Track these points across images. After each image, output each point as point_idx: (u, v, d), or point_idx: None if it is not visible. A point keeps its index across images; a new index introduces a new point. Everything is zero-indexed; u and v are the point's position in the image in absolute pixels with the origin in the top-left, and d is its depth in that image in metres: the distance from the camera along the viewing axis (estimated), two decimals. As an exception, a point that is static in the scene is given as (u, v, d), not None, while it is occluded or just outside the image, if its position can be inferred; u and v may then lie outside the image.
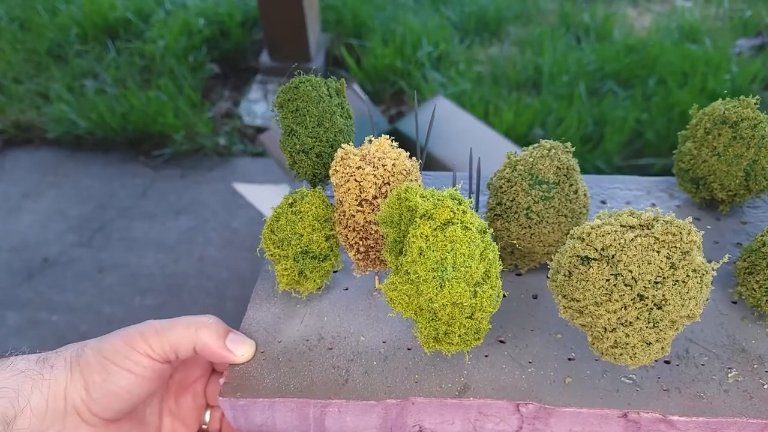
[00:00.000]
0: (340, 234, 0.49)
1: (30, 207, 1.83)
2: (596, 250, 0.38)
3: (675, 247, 0.37)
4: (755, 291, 0.47)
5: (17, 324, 1.47)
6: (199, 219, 1.78)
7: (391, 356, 0.47)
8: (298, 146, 0.53)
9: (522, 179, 0.49)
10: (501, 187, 0.51)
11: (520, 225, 0.50)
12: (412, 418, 0.46)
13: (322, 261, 0.51)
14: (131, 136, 2.05)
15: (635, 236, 0.37)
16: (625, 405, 0.42)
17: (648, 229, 0.38)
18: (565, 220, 0.49)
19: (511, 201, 0.50)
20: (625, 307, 0.38)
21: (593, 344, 0.41)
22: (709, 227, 0.58)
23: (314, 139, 0.52)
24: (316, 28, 2.20)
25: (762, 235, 0.48)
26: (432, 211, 0.40)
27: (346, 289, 0.54)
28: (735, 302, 0.50)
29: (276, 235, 0.50)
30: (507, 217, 0.50)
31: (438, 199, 0.40)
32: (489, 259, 0.41)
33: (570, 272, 0.40)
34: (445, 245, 0.39)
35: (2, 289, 1.57)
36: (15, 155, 2.05)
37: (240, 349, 0.47)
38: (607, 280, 0.38)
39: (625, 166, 1.86)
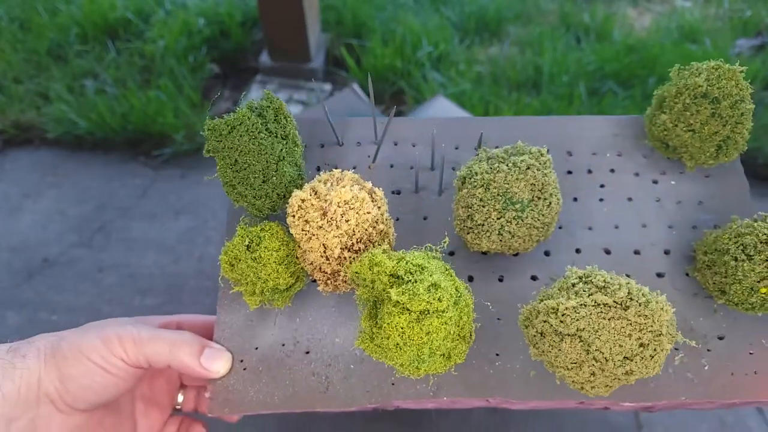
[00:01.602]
0: (307, 267, 0.47)
1: (30, 207, 1.83)
2: (571, 332, 0.40)
3: (648, 330, 0.39)
4: (709, 285, 0.48)
5: (17, 324, 1.47)
6: (199, 219, 1.78)
7: (366, 358, 0.48)
8: (246, 205, 0.49)
9: (495, 202, 0.49)
10: (473, 205, 0.50)
11: (492, 241, 0.50)
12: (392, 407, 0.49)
13: (289, 289, 0.49)
14: (131, 136, 2.05)
15: (609, 319, 0.39)
16: (582, 396, 0.45)
17: (623, 310, 0.39)
18: (537, 232, 0.50)
19: (484, 220, 0.50)
20: (594, 374, 0.40)
21: (558, 375, 0.44)
22: (673, 182, 0.57)
23: (263, 200, 0.48)
24: (316, 28, 2.20)
25: (724, 234, 0.47)
26: (408, 304, 0.39)
27: (314, 280, 0.52)
28: (687, 274, 0.51)
29: (236, 273, 0.48)
30: (478, 233, 0.50)
31: (413, 295, 0.39)
32: (460, 307, 0.42)
33: (542, 334, 0.42)
34: (422, 338, 0.39)
35: (2, 289, 1.57)
36: (15, 155, 2.04)
37: (214, 366, 0.47)
38: (579, 354, 0.40)
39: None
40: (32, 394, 0.42)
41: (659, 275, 0.51)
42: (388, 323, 0.39)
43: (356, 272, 0.41)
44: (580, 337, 0.39)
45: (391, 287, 0.39)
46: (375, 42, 2.21)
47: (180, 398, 0.53)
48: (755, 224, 0.46)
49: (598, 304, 0.39)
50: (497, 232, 0.49)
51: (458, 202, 0.51)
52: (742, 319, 0.48)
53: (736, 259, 0.45)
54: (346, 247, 0.44)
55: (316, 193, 0.44)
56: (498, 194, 0.49)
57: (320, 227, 0.43)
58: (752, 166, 1.71)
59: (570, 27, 2.40)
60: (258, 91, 2.14)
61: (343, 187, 0.44)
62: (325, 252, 0.45)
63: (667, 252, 0.52)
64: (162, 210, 1.81)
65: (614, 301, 0.39)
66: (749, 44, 2.23)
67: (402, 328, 0.39)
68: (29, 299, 1.53)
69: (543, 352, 0.42)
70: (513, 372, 0.47)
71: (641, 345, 0.39)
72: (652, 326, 0.39)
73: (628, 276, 0.45)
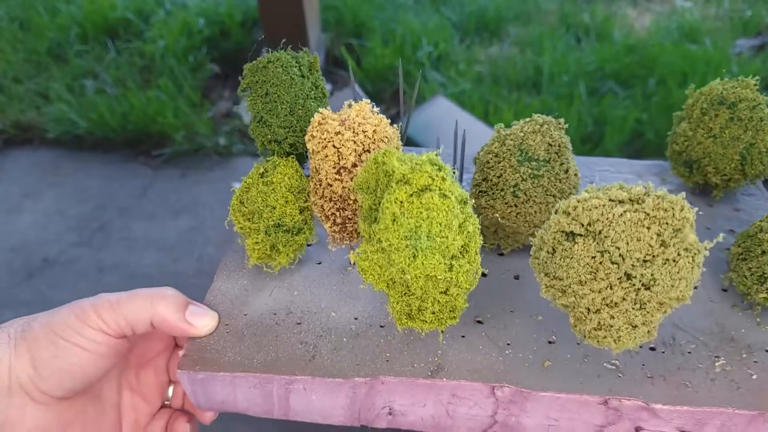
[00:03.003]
0: (316, 205, 0.46)
1: (30, 207, 1.83)
2: (582, 225, 0.36)
3: (666, 223, 0.34)
4: (746, 278, 0.45)
5: (17, 324, 1.47)
6: (198, 219, 1.78)
7: (362, 333, 0.45)
8: (269, 136, 0.49)
9: (511, 155, 0.47)
10: (488, 162, 0.48)
11: (506, 203, 0.47)
12: (382, 399, 0.43)
13: (296, 234, 0.48)
14: (131, 136, 2.05)
15: (624, 211, 0.35)
16: (606, 391, 0.40)
17: (638, 204, 0.35)
18: (554, 200, 0.46)
19: (498, 177, 0.47)
20: (611, 286, 0.35)
21: (575, 326, 0.39)
22: (701, 213, 0.56)
23: (287, 129, 0.49)
24: (316, 28, 2.20)
25: (760, 221, 0.46)
26: (409, 176, 0.36)
27: (320, 263, 0.52)
28: (725, 290, 0.48)
29: (246, 207, 0.47)
30: (492, 194, 0.48)
31: (416, 164, 0.37)
32: (468, 232, 0.38)
33: (554, 249, 0.37)
34: (421, 212, 0.36)
35: (2, 289, 1.57)
36: (15, 155, 2.04)
37: (201, 321, 0.44)
38: (593, 257, 0.35)
39: (625, 166, 1.85)
40: (3, 383, 0.38)
41: (693, 287, 0.49)
42: (387, 198, 0.36)
43: (364, 171, 0.39)
44: (593, 234, 0.35)
45: (396, 183, 0.37)
46: (375, 42, 2.21)
47: (170, 393, 0.50)
48: None
49: (612, 199, 0.35)
50: (512, 191, 0.46)
51: (475, 175, 0.50)
52: None
53: None
54: (359, 156, 0.43)
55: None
56: (514, 146, 0.47)
57: (337, 133, 0.42)
58: (752, 166, 1.71)
59: (570, 27, 2.40)
60: (258, 91, 2.14)
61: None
62: (339, 161, 0.43)
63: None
64: (162, 210, 1.81)
65: (629, 198, 0.35)
66: (749, 44, 2.23)
67: (401, 202, 0.36)
68: (29, 299, 1.53)
69: (555, 275, 0.37)
70: (525, 361, 0.42)
71: (662, 243, 0.34)
72: (671, 220, 0.34)
73: None
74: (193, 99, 2.11)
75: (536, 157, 0.47)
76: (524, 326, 0.45)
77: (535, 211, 0.47)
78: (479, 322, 0.46)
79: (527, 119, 0.49)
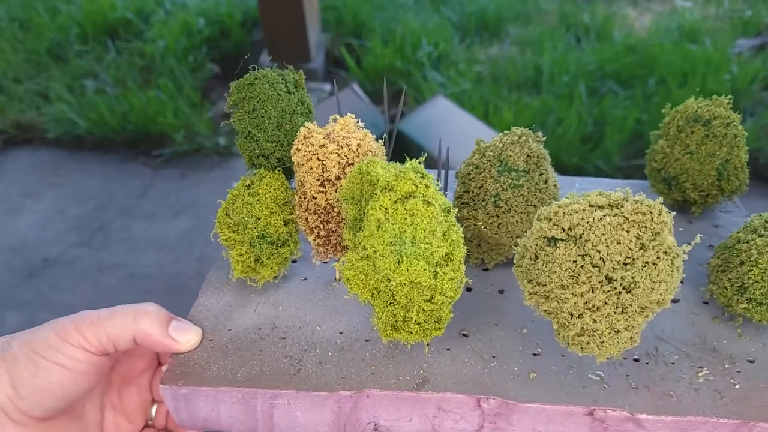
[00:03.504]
0: (300, 218, 0.47)
1: (30, 207, 1.83)
2: (563, 229, 0.36)
3: (645, 227, 0.35)
4: (726, 289, 0.46)
5: (17, 324, 1.47)
6: (198, 219, 1.78)
7: (347, 347, 0.45)
8: (257, 151, 0.50)
9: (491, 166, 0.48)
10: (469, 174, 0.49)
11: (488, 213, 0.48)
12: (367, 414, 0.43)
13: (280, 247, 0.48)
14: (131, 136, 2.05)
15: (604, 215, 0.35)
16: (592, 402, 0.40)
17: (617, 208, 0.36)
18: (534, 210, 0.47)
19: (479, 188, 0.48)
20: (593, 290, 0.36)
21: (559, 333, 0.39)
22: (681, 229, 0.57)
23: (274, 144, 0.49)
24: (316, 28, 2.20)
25: (737, 232, 0.47)
26: (393, 183, 0.37)
27: (305, 279, 0.52)
28: (706, 302, 0.49)
29: (231, 219, 0.47)
30: (474, 204, 0.48)
31: (400, 171, 0.37)
32: (452, 240, 0.39)
33: (536, 255, 0.38)
34: (405, 218, 0.36)
35: (2, 289, 1.57)
36: (15, 155, 2.05)
37: (184, 336, 0.43)
38: (574, 261, 0.36)
39: (625, 166, 1.85)
40: None
41: (674, 301, 0.49)
42: (372, 205, 0.37)
43: (348, 181, 0.40)
44: (574, 239, 0.36)
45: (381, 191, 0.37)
46: (375, 42, 2.21)
47: (153, 413, 0.49)
48: (764, 214, 0.46)
49: (592, 204, 0.36)
50: (493, 201, 0.47)
51: (457, 188, 0.51)
52: None
53: (748, 242, 0.44)
54: (343, 168, 0.43)
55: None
56: (493, 157, 0.48)
57: (322, 146, 0.43)
58: (753, 166, 1.71)
59: (570, 27, 2.40)
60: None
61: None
62: (323, 174, 0.44)
63: (680, 281, 0.52)
64: (162, 210, 1.81)
65: (608, 203, 0.36)
66: (749, 44, 2.23)
67: (386, 208, 0.37)
68: (29, 299, 1.53)
69: (537, 281, 0.38)
70: (510, 373, 0.43)
71: (641, 246, 0.35)
72: (650, 224, 0.35)
73: None
74: (193, 99, 2.11)
75: (516, 168, 0.48)
76: (509, 339, 0.46)
77: (517, 221, 0.48)
78: (464, 335, 0.46)
79: (506, 131, 0.49)
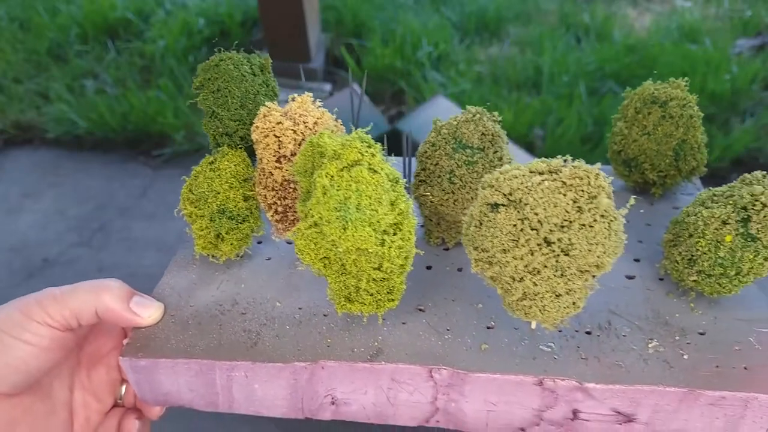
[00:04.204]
0: (259, 194, 0.48)
1: (30, 207, 1.83)
2: (504, 195, 0.38)
3: (582, 190, 0.36)
4: (678, 263, 0.46)
5: (17, 324, 1.47)
6: (199, 219, 1.78)
7: (305, 321, 0.46)
8: (221, 129, 0.51)
9: (446, 143, 0.49)
10: (425, 152, 0.50)
11: (443, 189, 0.49)
12: (323, 386, 0.44)
13: (240, 223, 0.49)
14: (131, 136, 2.05)
15: (542, 180, 0.37)
16: (542, 372, 0.41)
17: (556, 173, 0.37)
18: None
19: (435, 165, 0.49)
20: (532, 252, 0.37)
21: (504, 300, 0.40)
22: (642, 211, 0.58)
23: (237, 122, 0.51)
24: (316, 28, 2.20)
25: (688, 207, 0.47)
26: (339, 152, 0.38)
27: (269, 259, 0.53)
28: (662, 279, 0.50)
29: (193, 194, 0.49)
30: (430, 181, 0.50)
31: (346, 140, 0.38)
32: (401, 210, 0.39)
33: (480, 222, 0.39)
34: (350, 185, 0.37)
35: (2, 289, 1.57)
36: (15, 155, 2.05)
37: (145, 311, 0.45)
38: (514, 225, 0.37)
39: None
40: None
41: (629, 277, 0.50)
42: (319, 173, 0.38)
43: (301, 154, 0.41)
44: (514, 203, 0.37)
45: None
46: (375, 42, 2.21)
47: (122, 391, 0.50)
48: (712, 188, 0.47)
49: (533, 171, 0.37)
50: (448, 178, 0.48)
51: (416, 168, 0.52)
52: (724, 318, 0.46)
53: (696, 215, 0.45)
54: (299, 144, 0.45)
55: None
56: (448, 135, 0.49)
57: (278, 123, 0.45)
58: (753, 166, 1.71)
59: (570, 27, 2.40)
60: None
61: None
62: (279, 150, 0.45)
63: (637, 260, 0.52)
64: (161, 210, 1.81)
65: (548, 169, 0.37)
66: (749, 44, 2.23)
67: (331, 176, 0.38)
68: (29, 299, 1.54)
69: (482, 247, 0.39)
70: (463, 345, 0.43)
71: (578, 209, 0.36)
72: (587, 187, 0.36)
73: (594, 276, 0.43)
74: (194, 99, 2.11)
75: (470, 145, 0.49)
76: (465, 314, 0.46)
77: (471, 197, 0.48)
78: (421, 310, 0.47)
79: (463, 111, 0.51)
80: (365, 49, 2.25)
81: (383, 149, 0.42)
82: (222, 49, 0.52)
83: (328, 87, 2.14)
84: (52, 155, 2.04)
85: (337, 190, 0.37)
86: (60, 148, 2.06)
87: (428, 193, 0.50)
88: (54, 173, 1.96)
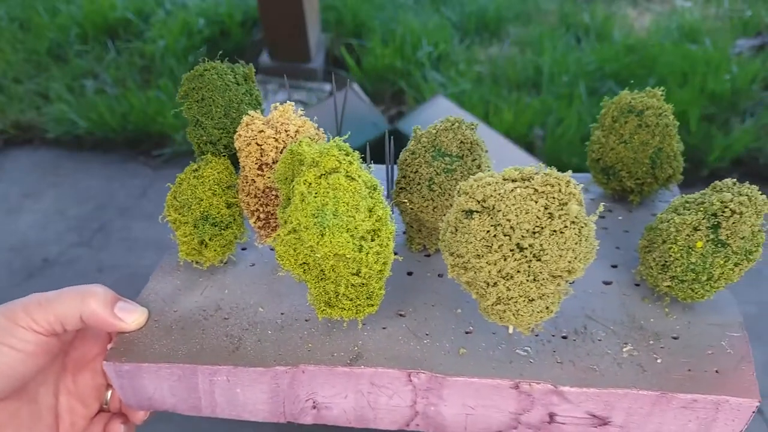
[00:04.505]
0: (243, 201, 0.49)
1: (29, 207, 1.83)
2: (478, 201, 0.39)
3: (553, 197, 0.37)
4: (652, 269, 0.47)
5: (17, 324, 1.48)
6: (198, 219, 1.78)
7: (287, 326, 0.47)
8: (204, 137, 0.52)
9: (425, 151, 0.50)
10: (406, 160, 0.51)
11: (423, 197, 0.50)
12: (304, 391, 0.45)
13: (224, 229, 0.50)
14: (131, 136, 2.05)
15: (515, 187, 0.38)
16: (518, 375, 0.42)
17: (528, 181, 0.38)
18: None
19: (414, 173, 0.50)
20: (505, 257, 0.38)
21: (480, 305, 0.41)
22: (620, 218, 0.59)
23: (221, 131, 0.52)
24: (316, 28, 2.20)
25: (662, 213, 0.48)
26: (318, 159, 0.39)
27: (253, 265, 0.54)
28: (638, 284, 0.50)
29: (177, 201, 0.50)
30: (410, 188, 0.51)
31: (324, 148, 0.39)
32: (378, 216, 0.40)
33: (456, 228, 0.40)
34: (328, 192, 0.38)
35: (2, 289, 1.57)
36: (15, 155, 2.05)
37: (129, 316, 0.45)
38: (488, 231, 0.38)
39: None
40: None
41: (606, 283, 0.51)
42: (297, 181, 0.39)
43: (281, 162, 0.42)
44: (488, 210, 0.38)
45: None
46: (375, 42, 2.21)
47: (108, 396, 0.50)
48: (685, 195, 0.48)
49: (506, 178, 0.39)
50: (427, 186, 0.49)
51: (398, 176, 0.53)
52: (698, 323, 0.47)
53: (668, 221, 0.46)
54: (280, 152, 0.46)
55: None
56: (428, 143, 0.50)
57: (261, 131, 0.45)
58: (753, 166, 1.71)
59: (570, 27, 2.40)
60: (257, 90, 2.14)
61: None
62: (261, 158, 0.46)
63: (614, 266, 0.53)
64: (161, 210, 1.81)
65: (521, 176, 0.39)
66: (749, 44, 2.23)
67: (309, 183, 0.39)
68: (29, 299, 1.54)
69: (457, 253, 0.40)
70: (442, 349, 0.44)
71: (549, 216, 0.37)
72: (558, 194, 0.37)
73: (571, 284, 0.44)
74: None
75: (449, 153, 0.50)
76: (444, 318, 0.47)
77: (450, 204, 0.49)
78: (401, 315, 0.48)
79: (441, 119, 0.52)
80: (365, 49, 2.25)
81: (362, 156, 0.43)
82: (206, 59, 0.53)
83: (327, 87, 2.14)
84: (52, 155, 2.04)
85: (315, 196, 0.38)
86: (60, 148, 2.06)
87: (408, 200, 0.51)
88: (54, 173, 1.96)
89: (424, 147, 0.50)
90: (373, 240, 0.41)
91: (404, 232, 0.55)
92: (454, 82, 2.10)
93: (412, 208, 0.51)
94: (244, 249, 0.55)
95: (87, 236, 1.72)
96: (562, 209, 0.37)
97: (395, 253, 0.43)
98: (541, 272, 0.38)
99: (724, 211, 0.43)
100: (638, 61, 2.13)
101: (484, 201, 0.38)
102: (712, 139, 1.77)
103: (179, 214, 0.50)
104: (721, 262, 0.44)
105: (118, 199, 1.85)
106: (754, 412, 0.41)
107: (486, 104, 1.98)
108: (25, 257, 1.66)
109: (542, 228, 0.37)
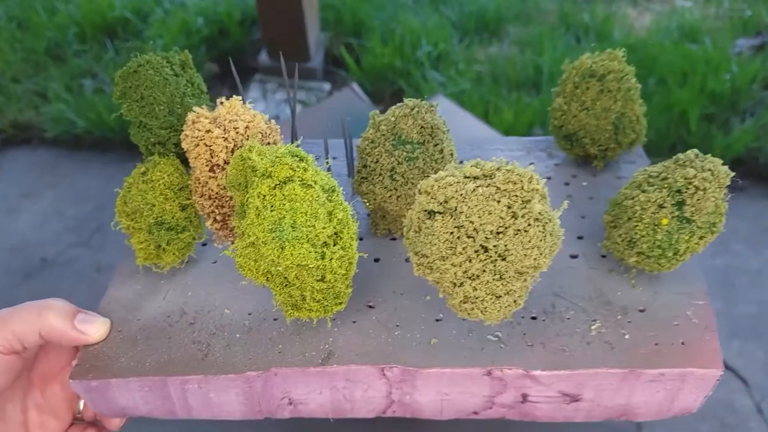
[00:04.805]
0: (197, 203, 0.47)
1: (28, 207, 1.82)
2: (439, 203, 0.38)
3: (516, 195, 0.37)
4: (618, 244, 0.47)
5: (15, 324, 1.47)
6: (197, 219, 1.77)
7: (255, 327, 0.46)
8: (152, 139, 0.49)
9: (385, 140, 0.48)
10: (365, 149, 0.49)
11: (385, 187, 0.49)
12: (279, 390, 0.44)
13: (180, 233, 0.48)
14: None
15: (477, 186, 0.37)
16: (489, 362, 0.42)
17: (490, 179, 0.37)
18: None
19: (375, 162, 0.49)
20: (470, 259, 0.38)
21: (448, 301, 0.41)
22: (584, 183, 0.58)
23: (168, 130, 0.49)
24: (316, 28, 2.20)
25: (625, 188, 0.48)
26: (270, 170, 0.37)
27: (214, 262, 0.52)
28: (604, 256, 0.50)
29: (128, 207, 0.47)
30: (372, 179, 0.49)
31: (276, 157, 0.38)
32: (339, 219, 0.39)
33: (419, 228, 0.39)
34: (284, 204, 0.37)
35: (0, 289, 1.57)
36: (13, 155, 2.04)
37: (91, 328, 0.44)
38: (451, 233, 0.38)
39: (625, 166, 1.85)
40: None
41: (573, 257, 0.50)
42: (251, 193, 0.37)
43: (231, 167, 0.40)
44: (450, 211, 0.37)
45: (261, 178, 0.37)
46: (374, 41, 2.21)
47: (81, 406, 0.49)
48: (648, 168, 0.47)
49: (467, 176, 0.38)
50: (389, 175, 0.48)
51: (357, 163, 0.51)
52: (664, 293, 0.47)
53: (633, 198, 0.45)
54: (231, 152, 0.43)
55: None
56: (387, 131, 0.48)
57: (208, 131, 0.43)
58: (753, 166, 1.71)
59: (570, 27, 2.40)
60: (257, 90, 2.14)
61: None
62: (211, 159, 0.43)
63: (580, 237, 0.52)
64: (161, 210, 1.81)
65: (482, 173, 0.37)
66: (749, 44, 2.23)
67: (263, 195, 0.37)
68: (27, 299, 1.53)
69: (422, 253, 0.39)
70: (413, 340, 0.44)
71: (513, 215, 0.36)
72: (520, 192, 0.36)
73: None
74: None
75: (410, 140, 0.48)
76: (413, 307, 0.47)
77: (414, 193, 0.48)
78: (370, 306, 0.47)
79: (399, 104, 0.50)
80: (364, 49, 2.25)
81: (316, 159, 0.41)
82: (138, 54, 0.49)
83: (327, 86, 2.13)
84: (50, 155, 2.03)
85: (271, 210, 0.37)
86: (58, 148, 2.05)
87: (370, 191, 0.49)
88: (52, 173, 1.95)
89: (384, 135, 0.48)
90: (335, 244, 0.39)
91: (368, 215, 0.53)
92: (453, 81, 2.09)
93: (375, 199, 0.50)
94: (204, 245, 0.53)
95: (85, 236, 1.72)
96: (525, 207, 0.37)
97: (360, 239, 0.42)
98: (506, 271, 0.38)
99: (688, 188, 0.43)
100: (638, 61, 2.12)
101: (446, 202, 0.38)
102: (712, 138, 1.77)
103: (132, 220, 0.48)
104: (687, 237, 0.44)
105: (117, 199, 1.85)
106: (717, 380, 0.42)
107: (486, 104, 1.97)
108: (24, 257, 1.65)
109: (506, 228, 0.37)
